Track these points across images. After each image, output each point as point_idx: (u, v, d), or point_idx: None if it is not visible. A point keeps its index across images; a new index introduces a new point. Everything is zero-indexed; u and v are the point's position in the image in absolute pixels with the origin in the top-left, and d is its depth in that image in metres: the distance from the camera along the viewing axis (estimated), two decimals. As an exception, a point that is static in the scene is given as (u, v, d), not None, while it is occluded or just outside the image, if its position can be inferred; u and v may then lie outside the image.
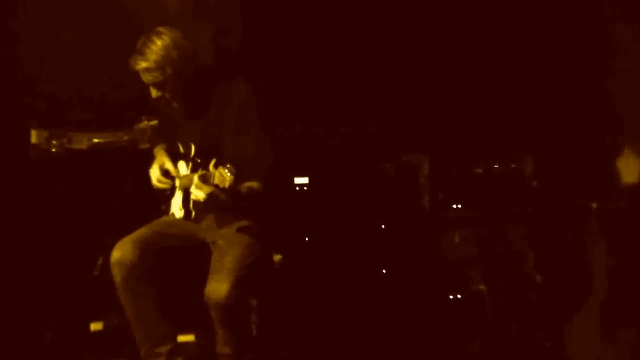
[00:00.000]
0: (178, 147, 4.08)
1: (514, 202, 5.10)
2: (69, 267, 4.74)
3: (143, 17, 4.73)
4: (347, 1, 5.23)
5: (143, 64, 3.77)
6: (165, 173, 4.04)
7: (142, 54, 3.77)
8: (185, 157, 4.03)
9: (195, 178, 3.58)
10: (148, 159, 4.14)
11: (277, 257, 4.07)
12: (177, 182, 4.04)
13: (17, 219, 4.71)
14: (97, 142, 4.83)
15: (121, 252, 3.79)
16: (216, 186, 3.49)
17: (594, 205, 4.62)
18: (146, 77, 3.81)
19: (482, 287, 4.95)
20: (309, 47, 5.27)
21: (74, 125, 4.84)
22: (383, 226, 5.31)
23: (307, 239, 5.26)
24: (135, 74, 3.82)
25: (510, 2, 5.12)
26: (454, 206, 5.20)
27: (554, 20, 4.99)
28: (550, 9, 5.00)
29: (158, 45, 3.76)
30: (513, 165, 5.14)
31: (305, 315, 4.85)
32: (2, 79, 4.83)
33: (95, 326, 4.51)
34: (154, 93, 3.87)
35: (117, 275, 3.79)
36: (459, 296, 4.97)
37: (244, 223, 3.86)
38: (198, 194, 3.58)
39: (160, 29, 3.83)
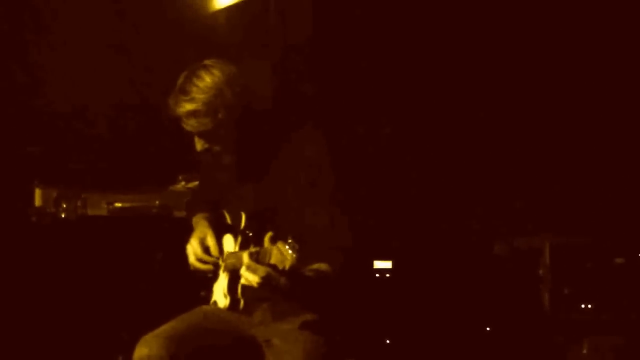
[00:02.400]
0: (224, 217, 3.75)
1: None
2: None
3: (184, 50, 4.79)
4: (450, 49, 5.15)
5: (188, 107, 3.46)
6: (207, 250, 3.73)
7: (186, 93, 3.47)
8: (234, 230, 3.68)
9: (246, 256, 3.28)
10: (185, 231, 3.82)
11: (350, 364, 3.81)
12: (222, 262, 3.72)
13: (13, 300, 4.57)
14: (120, 207, 4.70)
15: (148, 349, 3.43)
16: (273, 267, 3.19)
17: None
18: (191, 124, 3.50)
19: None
20: (399, 89, 5.18)
21: (88, 183, 4.73)
22: (488, 329, 5.03)
23: (388, 341, 5.02)
24: (173, 119, 3.52)
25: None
26: (583, 306, 4.91)
27: None
28: None
29: (207, 82, 3.47)
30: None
31: None
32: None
33: None
34: (200, 145, 3.57)
35: (142, 380, 3.56)
36: None
37: (308, 317, 3.53)
38: (250, 276, 3.25)
39: (209, 62, 3.53)
